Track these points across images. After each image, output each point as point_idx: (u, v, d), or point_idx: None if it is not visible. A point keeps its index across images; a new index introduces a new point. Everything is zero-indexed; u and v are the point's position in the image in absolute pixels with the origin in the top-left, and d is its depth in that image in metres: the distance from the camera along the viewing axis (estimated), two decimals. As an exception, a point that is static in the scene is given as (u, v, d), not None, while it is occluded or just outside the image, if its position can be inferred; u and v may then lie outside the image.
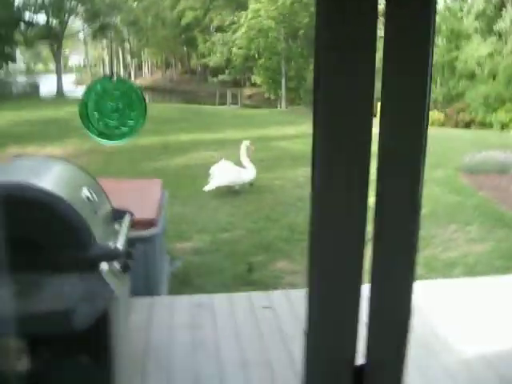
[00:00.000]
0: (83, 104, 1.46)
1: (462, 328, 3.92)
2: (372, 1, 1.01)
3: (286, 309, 4.20)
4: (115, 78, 1.51)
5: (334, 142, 1.08)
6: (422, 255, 6.54)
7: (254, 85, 35.25)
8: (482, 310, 4.17)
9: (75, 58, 54.51)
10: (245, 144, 9.41)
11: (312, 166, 1.13)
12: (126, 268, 2.47)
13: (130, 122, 1.51)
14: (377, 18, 1.03)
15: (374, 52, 1.04)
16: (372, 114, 1.07)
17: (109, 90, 1.49)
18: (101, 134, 1.50)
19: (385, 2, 1.02)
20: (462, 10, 25.07)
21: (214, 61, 35.77)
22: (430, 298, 4.40)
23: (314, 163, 1.11)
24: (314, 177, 1.13)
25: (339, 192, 1.11)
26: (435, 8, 1.04)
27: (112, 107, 1.48)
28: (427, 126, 1.10)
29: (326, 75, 1.06)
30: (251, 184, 9.41)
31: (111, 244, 2.53)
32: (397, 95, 1.07)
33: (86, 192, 2.50)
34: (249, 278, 5.79)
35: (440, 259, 6.53)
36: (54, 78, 34.20)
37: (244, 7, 32.98)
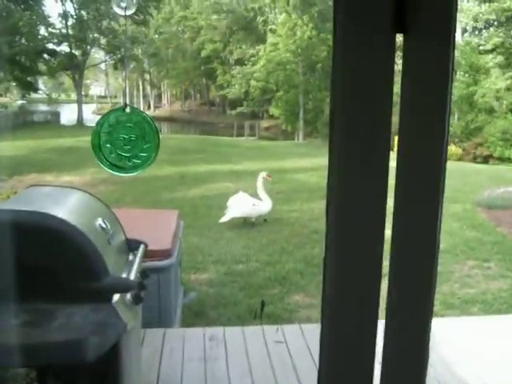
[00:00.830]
0: (96, 135, 1.46)
1: (480, 367, 3.84)
2: (389, 34, 1.01)
3: (300, 343, 4.14)
4: (129, 109, 1.51)
5: (350, 176, 1.07)
6: (440, 291, 6.45)
7: (271, 117, 35.51)
8: (501, 349, 4.08)
9: (96, 88, 55.43)
10: (261, 176, 9.41)
11: (327, 200, 1.11)
12: (138, 300, 2.45)
13: (143, 154, 1.51)
14: (394, 51, 1.02)
15: (392, 86, 1.03)
16: (389, 149, 1.05)
17: (122, 121, 1.49)
18: (112, 166, 1.49)
19: (403, 36, 1.01)
20: (480, 45, 25.15)
21: (232, 93, 36.14)
22: (447, 335, 4.32)
23: (329, 198, 1.10)
24: (329, 211, 1.11)
25: (354, 227, 1.09)
26: (454, 42, 1.03)
27: (125, 139, 1.48)
28: (445, 162, 1.08)
29: (342, 110, 1.05)
30: (265, 219, 9.40)
31: (124, 275, 2.52)
32: (415, 130, 1.06)
33: (100, 222, 2.49)
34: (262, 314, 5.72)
35: (458, 296, 6.43)
36: (74, 107, 34.74)
37: (263, 41, 33.44)
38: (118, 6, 1.53)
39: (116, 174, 1.53)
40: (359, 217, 1.08)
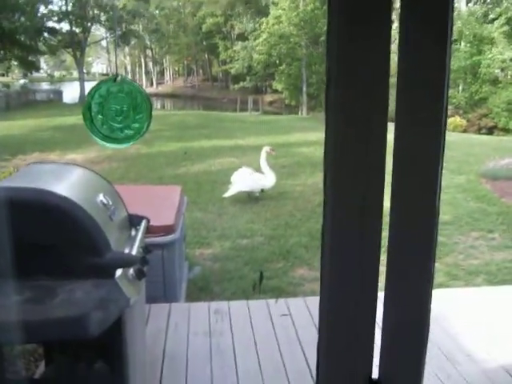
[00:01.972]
0: (87, 106, 1.44)
1: (484, 338, 3.85)
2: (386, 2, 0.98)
3: (304, 316, 4.16)
4: (120, 79, 1.49)
5: (347, 147, 1.05)
6: (444, 262, 6.46)
7: (275, 91, 35.33)
8: (505, 320, 4.09)
9: (98, 66, 55.17)
10: (264, 150, 9.39)
11: (324, 174, 1.10)
12: (141, 275, 2.45)
13: (135, 125, 1.49)
14: (391, 16, 1.00)
15: (389, 53, 1.01)
16: (386, 119, 1.04)
17: (113, 92, 1.47)
18: (105, 138, 1.48)
19: (400, 1, 0.98)
20: (485, 16, 24.81)
21: (235, 68, 35.90)
22: (451, 306, 4.34)
23: (326, 171, 1.08)
24: (326, 184, 1.10)
25: (352, 199, 1.08)
26: (453, 5, 1.00)
27: (117, 110, 1.46)
28: (445, 131, 1.06)
29: (338, 79, 1.03)
30: (262, 190, 9.34)
31: (126, 251, 2.52)
32: (413, 99, 1.04)
33: (101, 198, 2.48)
34: (261, 287, 5.75)
35: (462, 267, 6.43)
36: (77, 85, 34.61)
37: (265, 14, 33.09)
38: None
39: (109, 145, 1.52)
40: (357, 188, 1.07)
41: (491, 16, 25.00)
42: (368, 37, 0.99)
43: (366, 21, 0.99)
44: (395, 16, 1.01)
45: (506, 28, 24.20)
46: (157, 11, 41.65)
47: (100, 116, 1.47)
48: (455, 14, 24.68)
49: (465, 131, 21.21)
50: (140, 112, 1.50)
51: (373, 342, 1.15)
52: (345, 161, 1.07)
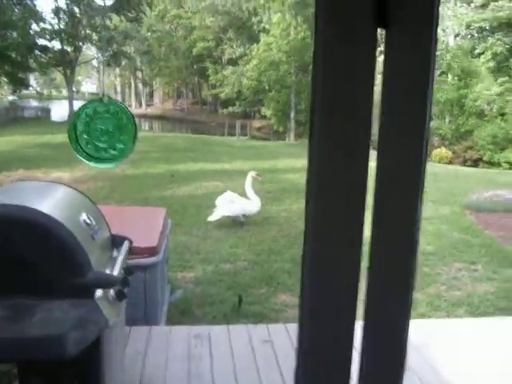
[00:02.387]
0: (73, 126, 1.45)
1: (465, 368, 3.85)
2: (371, 29, 1.00)
3: (285, 342, 4.13)
4: (106, 99, 1.49)
5: (329, 177, 1.06)
6: (427, 293, 6.47)
7: (263, 117, 35.58)
8: (486, 351, 4.09)
9: (88, 85, 55.30)
10: (250, 175, 9.40)
11: (306, 201, 1.10)
12: (121, 296, 2.43)
13: (120, 145, 1.49)
14: (376, 46, 1.02)
15: (373, 82, 1.02)
16: (368, 147, 1.04)
17: (100, 112, 1.48)
18: (89, 157, 1.48)
19: (385, 31, 1.00)
20: (473, 50, 25.26)
21: (225, 93, 36.15)
22: (433, 336, 4.33)
23: (308, 197, 1.09)
24: (308, 212, 1.10)
25: (333, 226, 1.08)
26: (436, 38, 1.02)
27: (102, 130, 1.47)
28: (425, 160, 1.07)
29: (322, 107, 1.04)
30: (246, 215, 9.33)
31: (108, 271, 2.50)
32: (396, 128, 1.05)
33: (84, 217, 2.47)
34: (242, 311, 5.72)
35: (444, 298, 6.44)
36: (66, 103, 34.61)
37: (256, 40, 33.45)
38: (100, -3, 1.52)
39: (93, 165, 1.52)
40: (339, 217, 1.07)
41: (477, 51, 25.46)
42: (353, 63, 1.01)
43: (352, 46, 1.00)
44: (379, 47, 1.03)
45: (491, 64, 24.64)
46: (149, 33, 41.96)
47: (85, 136, 1.47)
48: (444, 47, 25.12)
49: (450, 163, 21.44)
50: (125, 133, 1.51)
51: (350, 368, 1.15)
52: (326, 187, 1.08)
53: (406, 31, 1.01)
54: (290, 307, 5.95)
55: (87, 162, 1.51)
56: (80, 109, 1.51)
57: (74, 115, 1.48)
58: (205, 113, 44.36)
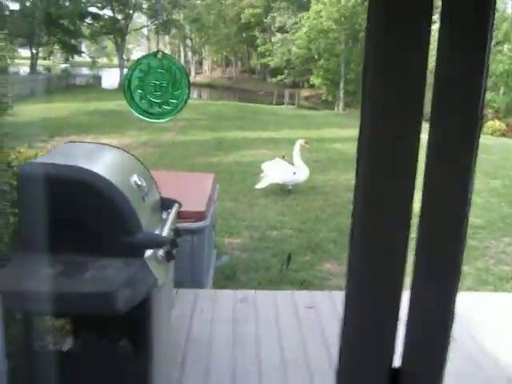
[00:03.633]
0: (127, 81, 1.47)
1: (509, 343, 3.80)
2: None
3: (329, 309, 4.16)
4: (160, 54, 1.51)
5: (380, 146, 1.05)
6: (474, 267, 6.38)
7: (312, 86, 35.22)
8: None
9: (138, 53, 55.67)
10: (299, 143, 9.35)
11: (357, 168, 1.10)
12: (170, 256, 2.48)
13: (173, 101, 1.51)
14: (432, 13, 1.00)
15: (427, 49, 1.00)
16: (421, 113, 1.03)
17: (154, 67, 1.49)
18: (143, 112, 1.50)
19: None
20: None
21: (274, 62, 35.87)
22: (479, 310, 4.29)
23: (359, 166, 1.08)
24: (358, 180, 1.10)
25: (381, 195, 1.08)
26: (495, 3, 0.99)
27: (156, 85, 1.49)
28: (479, 133, 1.05)
29: (375, 73, 1.03)
30: (291, 183, 9.30)
31: (157, 232, 2.56)
32: (450, 94, 1.02)
33: (135, 179, 2.52)
34: (287, 277, 5.76)
35: (492, 272, 6.34)
36: (116, 71, 34.96)
37: (306, 8, 32.97)
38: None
39: (146, 119, 1.54)
40: (388, 188, 1.06)
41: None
42: (407, 29, 0.99)
43: (406, 16, 0.99)
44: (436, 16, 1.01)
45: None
46: (198, 1, 41.85)
47: (139, 90, 1.49)
48: (500, 15, 24.24)
49: (503, 135, 20.85)
50: (178, 88, 1.52)
51: (395, 335, 1.15)
52: (377, 156, 1.07)
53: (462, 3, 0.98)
54: (334, 275, 5.97)
55: (141, 117, 1.53)
56: (134, 64, 1.53)
57: (128, 70, 1.51)
58: (253, 81, 44.18)
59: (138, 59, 1.53)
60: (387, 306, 1.13)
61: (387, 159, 1.04)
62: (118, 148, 2.92)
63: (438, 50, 1.00)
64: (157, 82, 1.50)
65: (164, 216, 2.87)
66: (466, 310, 4.06)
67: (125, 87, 1.48)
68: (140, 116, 1.52)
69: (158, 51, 1.50)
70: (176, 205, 2.97)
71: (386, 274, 1.11)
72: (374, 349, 1.17)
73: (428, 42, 0.99)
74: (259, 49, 40.07)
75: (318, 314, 4.16)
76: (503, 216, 8.50)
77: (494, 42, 23.54)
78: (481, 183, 10.14)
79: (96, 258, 2.20)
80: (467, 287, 5.63)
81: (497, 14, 23.56)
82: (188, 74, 1.54)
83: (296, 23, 34.01)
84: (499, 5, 25.59)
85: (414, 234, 1.07)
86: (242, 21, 40.12)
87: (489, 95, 23.29)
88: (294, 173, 9.14)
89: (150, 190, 2.68)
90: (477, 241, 7.14)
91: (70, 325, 2.59)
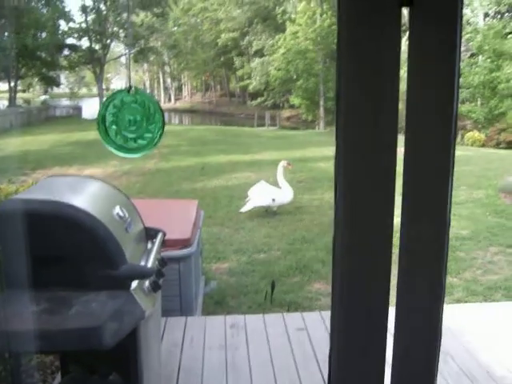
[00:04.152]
0: (101, 117, 1.47)
1: (503, 354, 3.80)
2: (395, 9, 0.99)
3: (321, 330, 4.14)
4: (133, 90, 1.51)
5: (357, 164, 1.05)
6: (463, 278, 6.40)
7: (292, 106, 35.43)
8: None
9: (117, 82, 55.73)
10: (281, 164, 9.40)
11: (335, 188, 1.10)
12: (156, 287, 2.46)
13: (148, 135, 1.51)
14: (400, 26, 1.01)
15: (399, 62, 1.01)
16: (396, 130, 1.04)
17: (127, 102, 1.49)
18: (119, 148, 1.50)
19: (408, 10, 0.99)
20: (503, 30, 24.67)
21: (252, 86, 36.12)
22: (470, 321, 4.29)
23: (337, 184, 1.09)
24: (337, 198, 1.10)
25: (362, 210, 1.08)
26: (462, 15, 1.00)
27: (130, 120, 1.48)
28: (454, 143, 1.06)
29: (348, 89, 1.03)
30: (276, 205, 9.30)
31: (142, 263, 2.54)
32: (423, 108, 1.03)
33: (117, 210, 2.50)
34: (277, 300, 5.73)
35: (481, 282, 6.36)
36: (96, 101, 34.97)
37: (282, 30, 33.29)
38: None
39: (122, 155, 1.54)
40: (368, 202, 1.07)
41: (507, 30, 24.85)
42: (378, 43, 1.00)
43: (376, 27, 1.00)
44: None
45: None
46: (175, 28, 42.11)
47: (114, 126, 1.49)
48: (473, 28, 24.61)
49: (483, 146, 21.07)
50: (153, 122, 1.52)
51: (385, 353, 1.14)
52: (355, 173, 1.07)
53: (430, 9, 0.99)
54: (324, 295, 5.95)
55: (117, 153, 1.53)
56: (107, 100, 1.53)
57: (102, 107, 1.51)
58: (233, 105, 44.38)
59: (111, 95, 1.53)
60: (375, 323, 1.12)
61: (365, 173, 1.04)
62: (99, 180, 2.91)
63: (408, 60, 1.01)
64: (131, 117, 1.50)
65: (149, 246, 2.85)
66: (457, 322, 4.05)
67: (99, 123, 1.48)
68: (116, 152, 1.52)
69: (130, 87, 1.51)
70: (160, 234, 2.96)
71: (370, 289, 1.10)
72: (364, 368, 1.17)
73: (398, 54, 1.00)
74: (237, 72, 40.34)
75: (309, 335, 4.13)
76: (488, 226, 8.56)
77: (469, 54, 23.89)
78: (465, 194, 10.23)
79: (81, 293, 2.17)
80: (457, 298, 5.63)
81: (469, 28, 23.96)
82: (162, 109, 1.55)
83: (273, 45, 34.31)
84: (472, 18, 26.05)
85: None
86: (220, 45, 40.41)
87: (467, 106, 23.57)
88: (274, 200, 9.14)
89: (132, 220, 2.66)
90: (464, 252, 7.18)
91: (59, 361, 2.55)
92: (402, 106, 1.03)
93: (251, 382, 3.52)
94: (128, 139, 1.49)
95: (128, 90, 1.49)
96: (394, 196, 1.07)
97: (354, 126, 1.07)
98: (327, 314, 4.48)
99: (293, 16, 32.85)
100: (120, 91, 1.51)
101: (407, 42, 1.01)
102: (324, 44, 30.37)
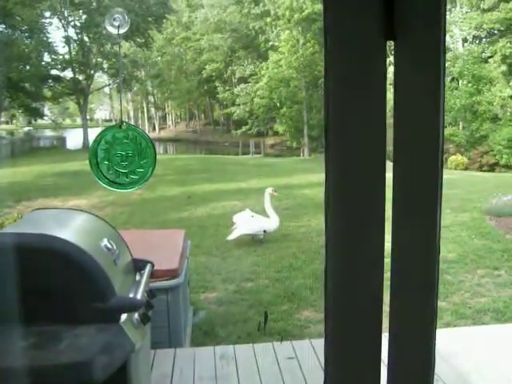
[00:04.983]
0: (93, 153, 1.48)
1: (494, 376, 3.80)
2: (380, 42, 1.01)
3: (311, 359, 4.11)
4: (125, 125, 1.52)
5: (347, 190, 1.06)
6: (451, 301, 6.41)
7: (276, 134, 35.60)
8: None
9: (101, 112, 55.77)
10: (267, 192, 9.41)
11: (325, 214, 1.10)
12: (146, 319, 2.45)
13: (140, 170, 1.52)
14: (385, 59, 1.02)
15: (385, 94, 1.03)
16: (385, 158, 1.05)
17: (119, 138, 1.50)
18: (110, 183, 1.50)
19: (394, 43, 1.01)
20: (482, 54, 25.15)
21: (236, 114, 36.31)
22: (460, 345, 4.29)
23: (328, 212, 1.09)
24: (328, 226, 1.10)
25: (353, 238, 1.08)
26: (445, 47, 1.03)
27: (122, 155, 1.49)
28: (442, 168, 1.07)
29: (335, 119, 1.05)
30: (265, 232, 9.30)
31: (131, 295, 2.52)
32: (410, 138, 1.05)
33: (105, 243, 2.50)
34: (266, 329, 5.69)
35: (469, 305, 6.38)
36: (80, 131, 34.93)
37: (265, 59, 33.62)
38: (111, 25, 1.55)
39: (114, 190, 1.54)
40: (359, 230, 1.07)
41: (486, 54, 25.33)
42: (364, 76, 1.02)
43: (362, 60, 1.01)
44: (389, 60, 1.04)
45: (503, 67, 24.53)
46: (159, 58, 42.35)
47: (106, 162, 1.49)
48: (453, 54, 25.05)
49: (467, 169, 21.29)
50: (144, 157, 1.53)
51: (379, 381, 1.14)
52: (344, 200, 1.08)
53: (414, 42, 1.01)
54: (313, 323, 5.92)
55: (109, 188, 1.53)
56: (99, 136, 1.53)
57: (93, 142, 1.51)
58: (218, 133, 44.50)
59: (103, 131, 1.54)
60: (368, 350, 1.12)
61: (355, 200, 1.05)
62: (85, 212, 2.90)
63: (394, 90, 1.03)
64: (123, 153, 1.51)
65: (137, 278, 2.83)
66: (448, 346, 4.05)
67: (90, 159, 1.49)
68: (108, 187, 1.52)
69: (122, 122, 1.52)
70: (149, 265, 2.94)
71: (363, 316, 1.10)
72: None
73: (384, 85, 1.02)
74: (221, 100, 40.54)
75: (300, 364, 4.10)
76: (475, 249, 8.60)
77: (449, 79, 24.26)
78: (450, 218, 10.29)
79: (70, 327, 2.15)
80: (446, 322, 5.64)
81: (450, 54, 24.38)
82: (153, 144, 1.56)
83: (255, 74, 34.59)
84: (452, 45, 26.50)
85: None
86: (204, 75, 40.66)
87: (449, 130, 23.86)
88: (265, 231, 9.15)
89: (121, 252, 2.65)
90: (451, 275, 7.19)
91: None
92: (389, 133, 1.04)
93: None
94: (120, 174, 1.50)
95: (119, 125, 1.50)
96: (384, 221, 1.08)
97: (343, 153, 1.08)
98: (317, 342, 4.46)
99: (275, 44, 33.20)
100: (111, 127, 1.52)
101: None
102: (307, 71, 30.68)
